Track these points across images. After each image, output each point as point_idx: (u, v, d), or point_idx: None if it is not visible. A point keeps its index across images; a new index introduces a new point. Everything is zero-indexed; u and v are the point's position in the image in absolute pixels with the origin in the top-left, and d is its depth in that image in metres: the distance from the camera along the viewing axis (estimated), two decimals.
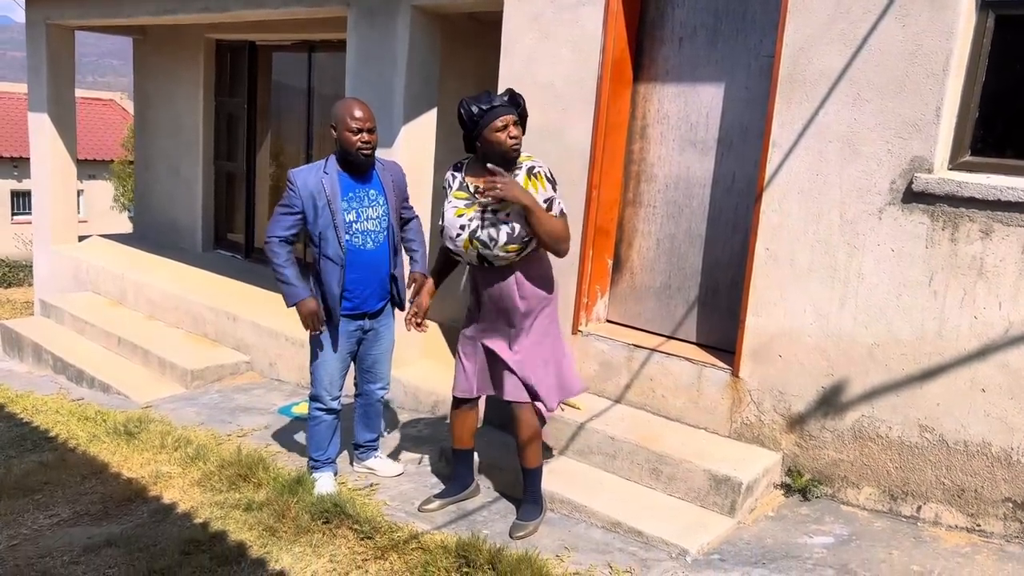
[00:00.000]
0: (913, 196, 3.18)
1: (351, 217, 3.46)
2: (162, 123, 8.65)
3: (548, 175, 3.16)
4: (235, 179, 8.29)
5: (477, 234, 3.10)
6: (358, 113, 3.41)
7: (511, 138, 3.06)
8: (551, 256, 3.27)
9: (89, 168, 25.08)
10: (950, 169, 3.20)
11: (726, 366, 3.72)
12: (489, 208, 3.10)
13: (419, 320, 3.48)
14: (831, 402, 3.43)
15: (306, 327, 3.50)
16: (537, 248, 3.18)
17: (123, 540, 3.36)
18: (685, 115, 3.98)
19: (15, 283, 15.07)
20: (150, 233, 8.90)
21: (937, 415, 3.19)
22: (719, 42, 3.85)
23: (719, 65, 3.85)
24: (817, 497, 3.47)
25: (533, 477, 3.36)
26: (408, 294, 3.63)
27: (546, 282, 3.28)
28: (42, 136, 8.07)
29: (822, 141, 3.37)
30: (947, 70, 3.08)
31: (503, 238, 3.06)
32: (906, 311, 3.23)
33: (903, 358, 3.25)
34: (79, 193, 26.82)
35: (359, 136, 3.41)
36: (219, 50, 8.18)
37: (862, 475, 3.39)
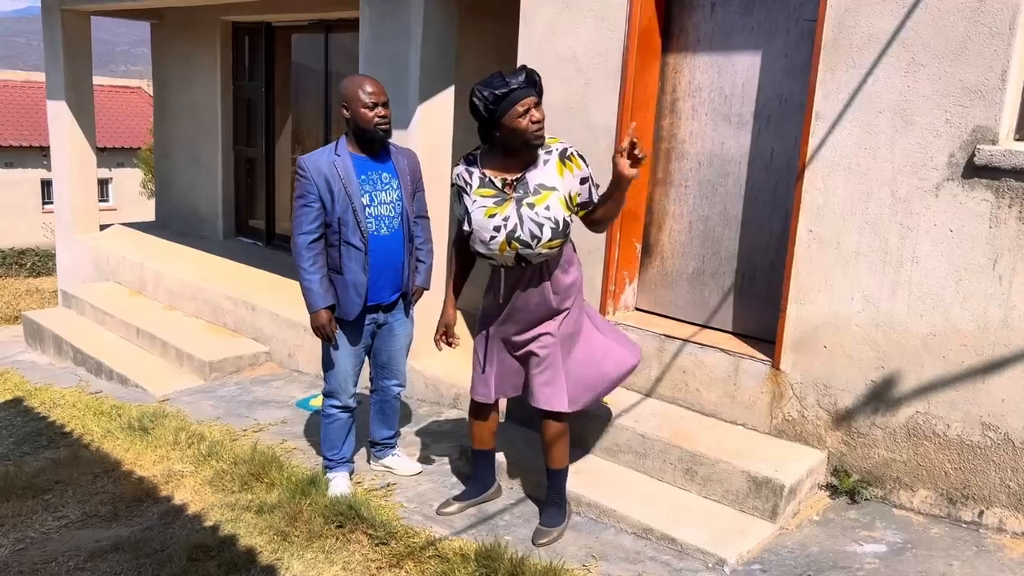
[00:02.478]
0: (975, 170, 2.87)
1: (364, 201, 3.26)
2: (181, 109, 8.53)
3: (579, 153, 2.94)
4: (255, 165, 8.15)
5: (517, 234, 2.83)
6: (370, 87, 3.20)
7: (533, 122, 2.79)
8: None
9: (118, 156, 25.28)
10: (1017, 140, 2.89)
11: (765, 358, 3.46)
12: (524, 203, 2.84)
13: (449, 339, 3.27)
14: (882, 397, 3.16)
15: (316, 335, 3.36)
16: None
17: (131, 545, 3.24)
18: (719, 87, 3.69)
19: (44, 272, 15.24)
20: (172, 221, 8.82)
21: (1002, 412, 2.90)
22: (755, 6, 3.55)
23: (755, 32, 3.56)
24: (866, 500, 3.21)
25: (558, 479, 3.15)
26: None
27: (572, 268, 3.05)
28: (60, 124, 7.99)
29: (871, 112, 3.07)
30: (1014, 29, 2.76)
31: (547, 234, 2.81)
32: (967, 297, 2.94)
33: (963, 349, 2.96)
34: (108, 181, 26.87)
35: (375, 111, 3.20)
36: (236, 33, 8.02)
37: (916, 476, 3.12)
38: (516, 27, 4.15)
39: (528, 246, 2.83)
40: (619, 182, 2.73)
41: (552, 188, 2.84)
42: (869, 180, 3.10)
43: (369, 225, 3.27)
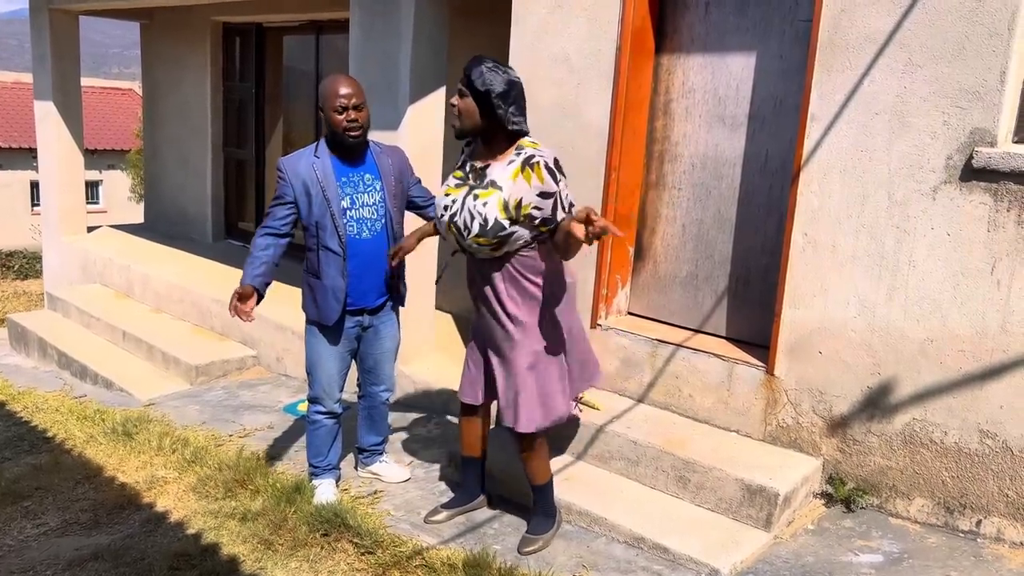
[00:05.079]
0: (973, 173, 2.83)
1: (345, 204, 3.19)
2: (170, 110, 8.45)
3: (549, 165, 2.71)
4: (245, 167, 8.08)
5: (455, 219, 2.80)
6: (343, 90, 3.12)
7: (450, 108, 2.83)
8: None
9: (109, 158, 25.11)
10: (1016, 142, 2.84)
11: (760, 363, 3.40)
12: (473, 192, 2.78)
13: (396, 257, 3.22)
14: (878, 403, 3.10)
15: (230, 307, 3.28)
16: (532, 246, 2.81)
17: (110, 553, 3.16)
18: (713, 88, 3.64)
19: (32, 275, 15.09)
20: (160, 223, 8.73)
21: (1000, 419, 2.85)
22: (749, 7, 3.51)
23: (750, 32, 3.51)
24: (862, 508, 3.15)
25: (542, 492, 3.07)
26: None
27: (538, 279, 2.84)
28: (48, 125, 7.90)
29: (867, 113, 3.02)
30: (1012, 29, 2.72)
31: (475, 229, 2.73)
32: (964, 302, 2.89)
33: (961, 355, 2.91)
34: (98, 184, 26.62)
35: (345, 115, 3.12)
36: (227, 34, 7.95)
37: (913, 484, 3.06)
38: (508, 28, 4.09)
39: (461, 234, 2.79)
40: (567, 239, 2.58)
41: (498, 187, 2.73)
42: (865, 183, 3.06)
43: (349, 229, 3.20)
